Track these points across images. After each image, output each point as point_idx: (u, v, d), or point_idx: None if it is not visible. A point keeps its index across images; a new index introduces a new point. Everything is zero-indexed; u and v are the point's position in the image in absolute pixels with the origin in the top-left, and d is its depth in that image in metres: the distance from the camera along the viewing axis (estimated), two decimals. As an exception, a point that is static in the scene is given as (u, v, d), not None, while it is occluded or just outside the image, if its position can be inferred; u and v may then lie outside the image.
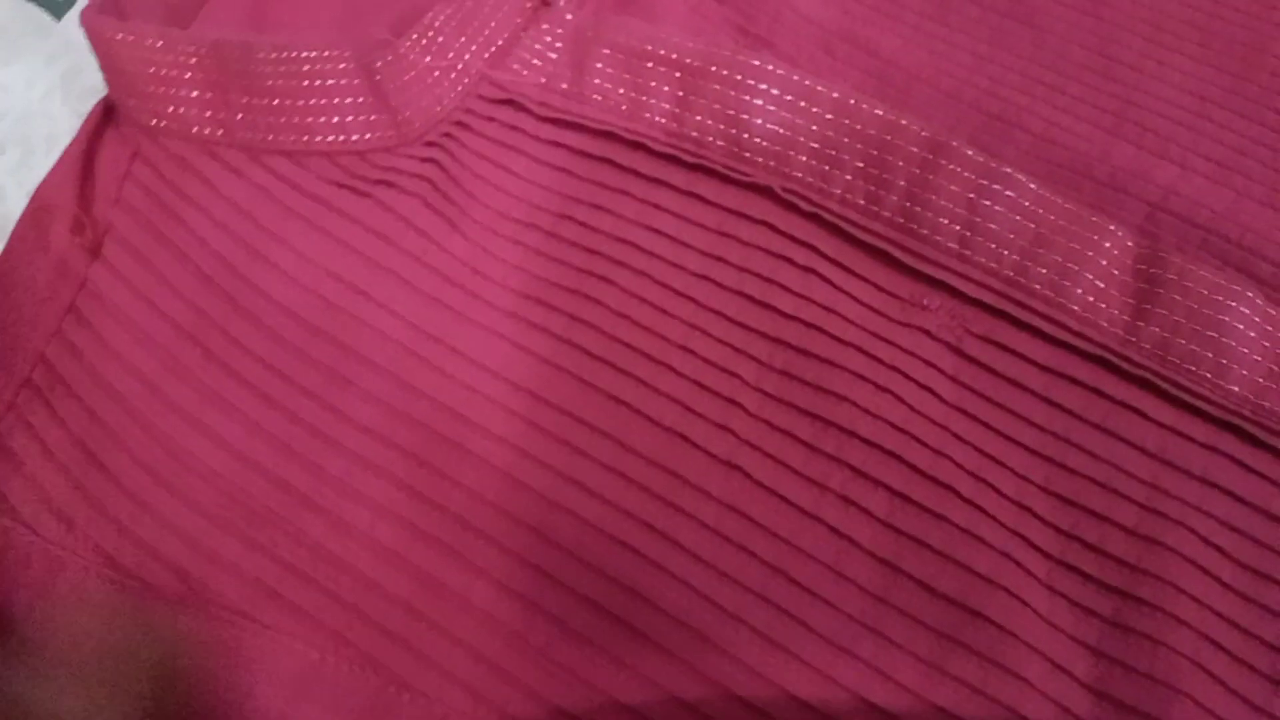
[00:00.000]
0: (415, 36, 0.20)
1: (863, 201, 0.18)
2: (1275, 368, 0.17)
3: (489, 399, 0.18)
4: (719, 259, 0.19)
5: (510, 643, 0.16)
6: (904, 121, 0.18)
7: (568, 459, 0.17)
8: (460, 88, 0.20)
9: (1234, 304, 0.17)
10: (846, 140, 0.18)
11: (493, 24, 0.21)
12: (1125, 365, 0.17)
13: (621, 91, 0.20)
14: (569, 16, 0.21)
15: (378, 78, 0.20)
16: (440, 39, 0.20)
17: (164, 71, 0.20)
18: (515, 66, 0.20)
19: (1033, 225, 0.18)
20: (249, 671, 0.17)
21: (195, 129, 0.20)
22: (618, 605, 0.17)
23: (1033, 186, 0.18)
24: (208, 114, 0.20)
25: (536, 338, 0.18)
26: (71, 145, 0.21)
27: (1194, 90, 0.21)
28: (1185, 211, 0.20)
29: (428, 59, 0.20)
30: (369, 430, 0.18)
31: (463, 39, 0.20)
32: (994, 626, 0.16)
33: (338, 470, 0.18)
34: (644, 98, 0.20)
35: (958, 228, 0.18)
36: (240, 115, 0.20)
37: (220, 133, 0.20)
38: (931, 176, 0.18)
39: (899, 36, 0.22)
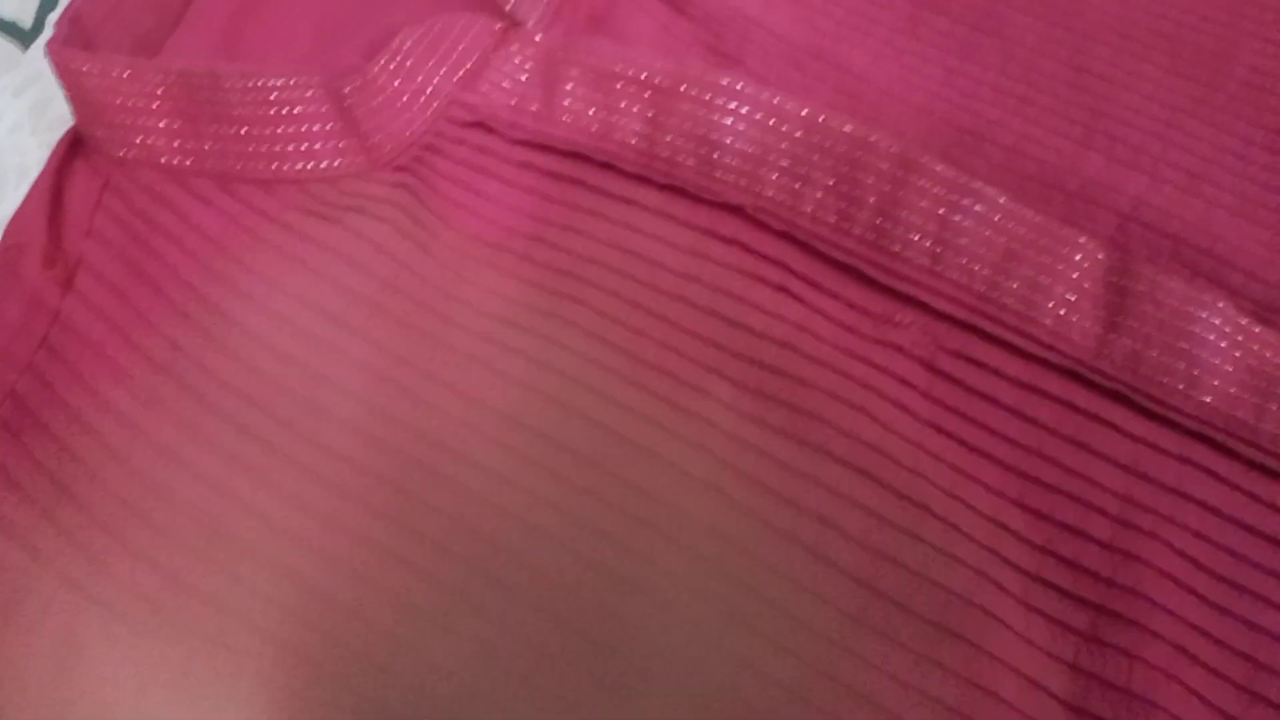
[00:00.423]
0: (384, 61, 0.20)
1: (834, 219, 0.18)
2: (1247, 378, 0.17)
3: (465, 424, 0.18)
4: (692, 279, 0.19)
5: (493, 670, 0.16)
6: (873, 138, 0.18)
7: (545, 482, 0.17)
8: (430, 111, 0.20)
9: (1205, 315, 0.17)
10: (817, 158, 0.18)
11: (461, 46, 0.21)
12: (1097, 378, 0.17)
13: (592, 112, 0.20)
14: (538, 38, 0.21)
15: (347, 103, 0.20)
16: (409, 62, 0.20)
17: (131, 102, 0.20)
18: (485, 89, 0.20)
19: (1003, 240, 0.18)
20: (226, 703, 0.17)
21: (164, 159, 0.20)
22: (595, 630, 0.16)
23: (1002, 200, 0.18)
24: (176, 144, 0.20)
25: (512, 361, 0.18)
26: (40, 177, 0.21)
27: (1163, 100, 0.21)
28: (1156, 222, 0.20)
29: (397, 83, 0.20)
30: (347, 459, 0.18)
31: (432, 62, 0.20)
32: (970, 645, 0.16)
33: (316, 500, 0.18)
34: (614, 118, 0.20)
35: (929, 244, 0.18)
36: (209, 144, 0.20)
37: (189, 162, 0.20)
38: (902, 193, 0.18)
39: (868, 52, 0.22)
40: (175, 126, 0.20)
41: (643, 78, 0.19)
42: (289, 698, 0.17)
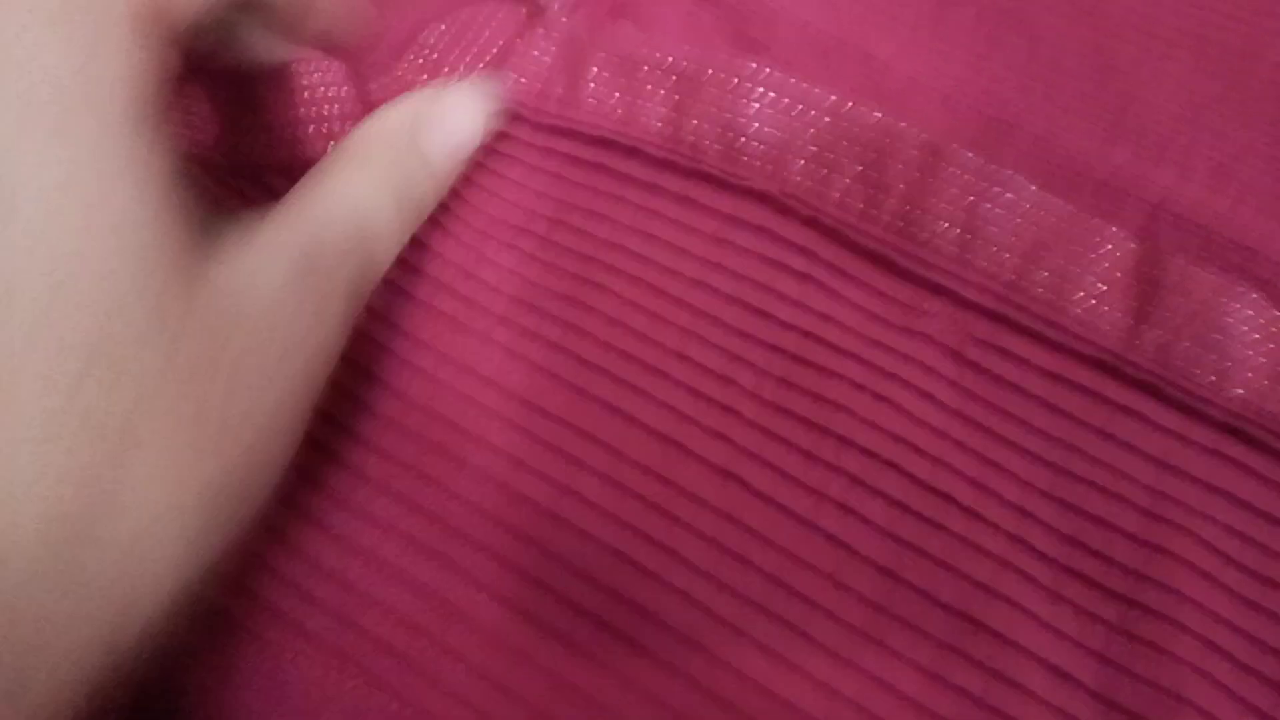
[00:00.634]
0: (412, 57, 0.20)
1: (861, 205, 0.18)
2: (1279, 371, 0.17)
3: (484, 408, 0.18)
4: (716, 265, 0.19)
5: (516, 661, 0.16)
6: (902, 125, 0.18)
7: (564, 469, 0.17)
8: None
9: (1237, 306, 0.17)
10: (844, 145, 0.18)
11: (486, 34, 0.21)
12: (1127, 369, 0.17)
13: (616, 97, 0.20)
14: (563, 21, 0.21)
15: (373, 99, 0.19)
16: (435, 55, 0.20)
17: None
18: (509, 74, 0.20)
19: (1033, 229, 0.18)
20: (255, 692, 0.16)
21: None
22: (621, 620, 0.16)
23: (1033, 189, 0.18)
24: (199, 137, 0.20)
25: (531, 344, 0.18)
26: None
27: (1189, 96, 0.21)
28: (1185, 213, 0.20)
29: (424, 77, 0.20)
30: (366, 442, 0.18)
31: (456, 52, 0.20)
32: (996, 636, 0.16)
33: (336, 484, 0.17)
34: (638, 104, 0.19)
35: (957, 232, 0.18)
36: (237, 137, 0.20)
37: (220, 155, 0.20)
38: (930, 181, 0.18)
39: (894, 42, 0.22)
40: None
41: (668, 63, 0.19)
42: (315, 687, 0.16)
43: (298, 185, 0.17)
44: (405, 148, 0.19)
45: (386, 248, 0.18)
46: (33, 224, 0.12)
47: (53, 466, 0.11)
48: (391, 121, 0.19)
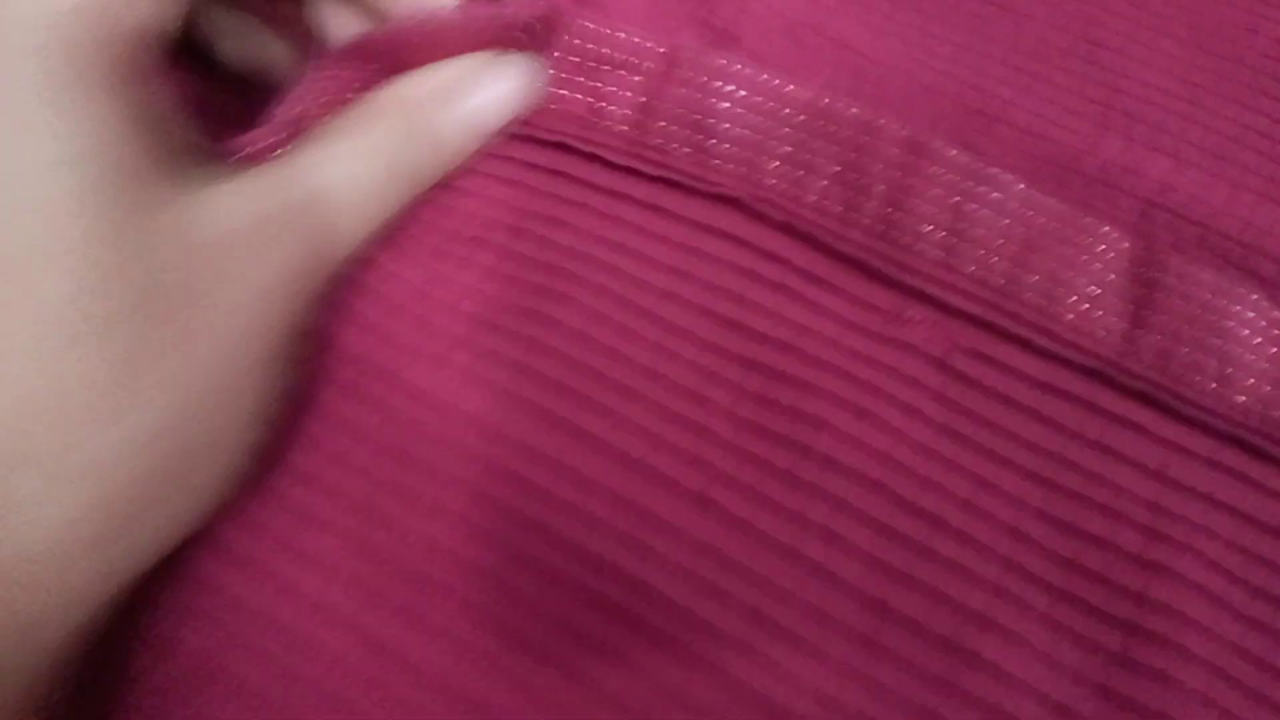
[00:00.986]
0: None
1: (839, 209, 0.17)
2: (1283, 374, 0.16)
3: (440, 437, 0.17)
4: (686, 274, 0.17)
5: (471, 714, 0.15)
6: (881, 122, 0.17)
7: (527, 500, 0.16)
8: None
9: (1237, 308, 0.16)
10: (820, 144, 0.17)
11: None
12: (1123, 377, 0.16)
13: (579, 97, 0.18)
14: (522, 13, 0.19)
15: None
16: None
17: None
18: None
19: (1021, 230, 0.17)
20: None
21: None
22: (590, 667, 0.15)
23: (1020, 187, 0.17)
24: None
25: (491, 365, 0.17)
26: None
27: (1183, 77, 0.20)
28: (1182, 207, 0.19)
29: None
30: (310, 480, 0.16)
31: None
32: (990, 668, 0.15)
33: (279, 527, 0.16)
34: (602, 104, 0.18)
35: (941, 235, 0.17)
36: None
37: None
38: (912, 181, 0.17)
39: (872, 26, 0.21)
40: None
41: (632, 62, 0.18)
42: None
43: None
44: (419, 118, 0.18)
45: (354, 220, 0.17)
46: None
47: None
48: (413, 89, 0.18)
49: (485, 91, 0.18)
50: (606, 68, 0.18)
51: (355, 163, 0.17)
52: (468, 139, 0.18)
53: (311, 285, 0.16)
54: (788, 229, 0.17)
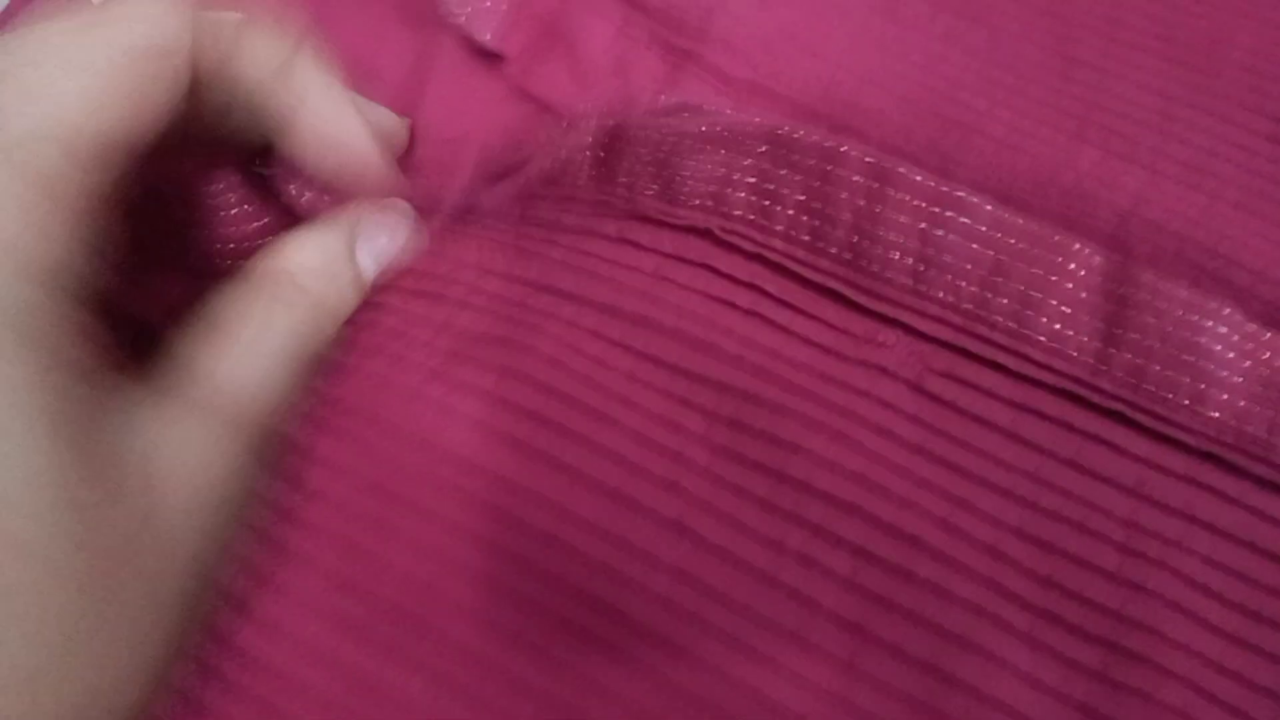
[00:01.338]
0: None
1: (808, 238, 0.17)
2: (1258, 390, 0.16)
3: (416, 470, 0.17)
4: (657, 302, 0.18)
5: None
6: (844, 148, 0.17)
7: (504, 531, 0.16)
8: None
9: (1210, 324, 0.16)
10: (784, 173, 0.17)
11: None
12: (1096, 397, 0.16)
13: (547, 163, 0.19)
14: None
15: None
16: None
17: None
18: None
19: (991, 252, 0.17)
20: None
21: None
22: (572, 698, 0.15)
23: (989, 209, 0.17)
24: None
25: (465, 397, 0.17)
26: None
27: (1158, 89, 0.20)
28: (1158, 219, 0.19)
29: None
30: (289, 517, 0.17)
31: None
32: (971, 691, 0.15)
33: (259, 563, 0.16)
34: (566, 154, 0.18)
35: (910, 260, 0.17)
36: None
37: None
38: (879, 208, 0.17)
39: (845, 37, 0.21)
40: None
41: (594, 125, 0.18)
42: None
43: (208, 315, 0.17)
44: (335, 275, 0.18)
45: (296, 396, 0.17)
46: None
47: None
48: (321, 248, 0.18)
49: (388, 230, 0.19)
50: (566, 123, 0.18)
51: (260, 360, 0.17)
52: (383, 272, 0.19)
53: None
54: (759, 258, 0.17)
